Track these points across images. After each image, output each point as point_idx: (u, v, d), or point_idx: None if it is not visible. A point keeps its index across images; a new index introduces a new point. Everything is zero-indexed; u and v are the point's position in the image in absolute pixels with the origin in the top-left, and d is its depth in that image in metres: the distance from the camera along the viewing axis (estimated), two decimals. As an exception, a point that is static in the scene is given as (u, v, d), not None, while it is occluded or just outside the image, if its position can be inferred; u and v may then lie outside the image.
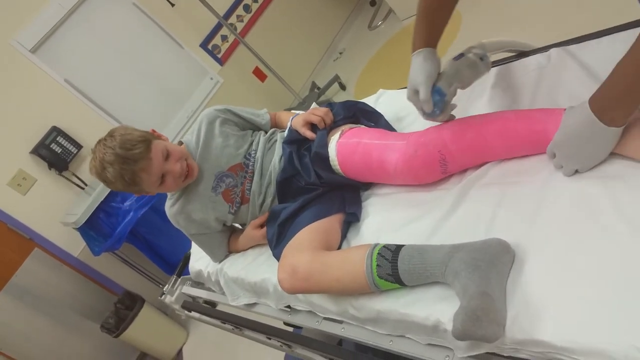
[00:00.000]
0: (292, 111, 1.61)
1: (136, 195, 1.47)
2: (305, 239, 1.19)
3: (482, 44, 1.12)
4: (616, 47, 1.04)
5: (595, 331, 0.69)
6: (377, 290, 1.02)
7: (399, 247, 0.98)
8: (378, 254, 0.99)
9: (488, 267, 0.82)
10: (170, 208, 1.51)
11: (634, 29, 1.05)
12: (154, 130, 1.46)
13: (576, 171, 0.90)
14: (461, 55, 1.09)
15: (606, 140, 0.84)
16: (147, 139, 1.34)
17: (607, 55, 1.04)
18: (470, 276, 0.82)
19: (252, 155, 1.47)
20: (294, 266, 1.10)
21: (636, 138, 0.84)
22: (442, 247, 0.92)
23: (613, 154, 0.88)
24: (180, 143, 1.52)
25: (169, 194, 1.53)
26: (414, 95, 1.09)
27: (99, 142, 1.35)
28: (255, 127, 1.58)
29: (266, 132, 1.55)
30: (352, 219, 1.29)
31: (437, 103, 1.07)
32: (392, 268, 0.96)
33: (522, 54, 1.31)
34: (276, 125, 1.61)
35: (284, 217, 1.32)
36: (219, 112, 1.52)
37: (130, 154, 1.29)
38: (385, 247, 0.99)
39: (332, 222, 1.25)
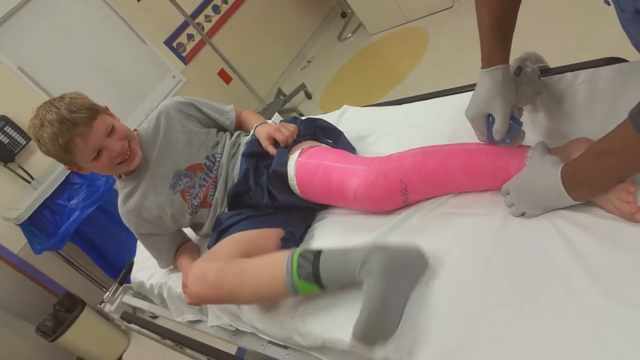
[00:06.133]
0: (260, 115, 1.56)
1: (66, 168, 1.37)
2: (224, 247, 1.19)
3: (530, 55, 1.05)
4: (576, 88, 1.07)
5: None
6: (293, 294, 1.02)
7: (320, 250, 1.00)
8: (299, 255, 1.00)
9: (397, 278, 0.89)
10: (122, 203, 1.42)
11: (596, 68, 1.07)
12: (107, 108, 1.36)
13: (523, 214, 0.92)
14: (520, 69, 1.00)
15: (564, 204, 0.87)
16: (96, 109, 1.27)
17: (570, 89, 1.08)
18: (379, 282, 0.88)
19: (217, 159, 1.41)
20: (203, 271, 1.08)
21: None
22: (363, 247, 0.95)
23: None
24: (134, 131, 1.44)
25: (120, 189, 1.43)
26: (479, 118, 0.97)
27: (47, 101, 1.27)
28: (220, 127, 1.52)
29: (231, 134, 1.49)
30: (291, 238, 1.26)
31: (510, 131, 0.94)
32: (313, 267, 0.97)
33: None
34: (241, 126, 1.56)
35: (224, 226, 1.30)
36: (182, 105, 1.45)
37: (72, 116, 1.21)
38: (307, 250, 1.02)
39: (263, 235, 1.23)
